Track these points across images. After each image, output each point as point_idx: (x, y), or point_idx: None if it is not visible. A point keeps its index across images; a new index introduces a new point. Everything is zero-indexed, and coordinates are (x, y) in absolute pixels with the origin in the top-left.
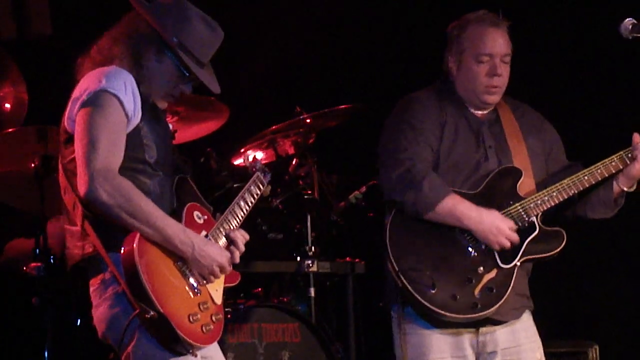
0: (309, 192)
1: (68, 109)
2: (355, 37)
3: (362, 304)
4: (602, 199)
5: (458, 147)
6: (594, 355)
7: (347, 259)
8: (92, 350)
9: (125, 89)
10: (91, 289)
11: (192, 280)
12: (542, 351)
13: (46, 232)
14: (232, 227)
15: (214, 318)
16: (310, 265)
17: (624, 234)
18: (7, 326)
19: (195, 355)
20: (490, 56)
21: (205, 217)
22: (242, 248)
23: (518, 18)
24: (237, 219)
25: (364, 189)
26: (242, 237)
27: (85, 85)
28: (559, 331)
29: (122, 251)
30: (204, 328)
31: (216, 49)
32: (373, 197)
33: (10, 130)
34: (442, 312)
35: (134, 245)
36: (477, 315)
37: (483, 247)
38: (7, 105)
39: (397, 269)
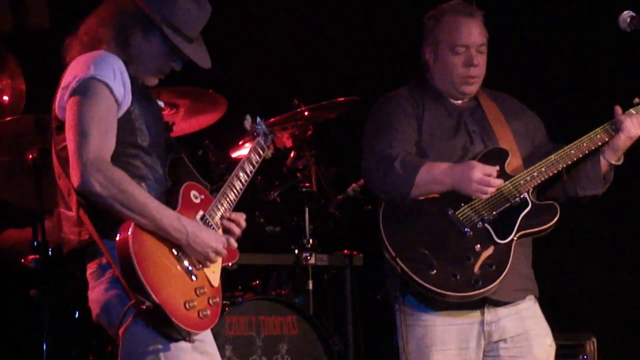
0: (307, 184)
1: (58, 96)
2: (353, 29)
3: (360, 297)
4: (590, 174)
5: (440, 136)
6: (592, 348)
7: (345, 251)
8: (91, 343)
9: (115, 75)
10: (88, 272)
11: (188, 265)
12: (551, 337)
13: (44, 223)
14: (230, 203)
15: (210, 302)
16: (308, 258)
17: (622, 226)
18: (6, 318)
19: (193, 342)
20: (466, 47)
21: (202, 196)
22: (238, 232)
23: (518, 10)
24: (236, 192)
25: (362, 181)
26: (236, 222)
27: (74, 73)
28: (556, 323)
29: (116, 240)
30: (200, 313)
31: (204, 23)
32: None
33: (7, 119)
34: (444, 291)
35: (128, 235)
36: (478, 292)
37: (479, 225)
38: (5, 98)
39: (394, 254)
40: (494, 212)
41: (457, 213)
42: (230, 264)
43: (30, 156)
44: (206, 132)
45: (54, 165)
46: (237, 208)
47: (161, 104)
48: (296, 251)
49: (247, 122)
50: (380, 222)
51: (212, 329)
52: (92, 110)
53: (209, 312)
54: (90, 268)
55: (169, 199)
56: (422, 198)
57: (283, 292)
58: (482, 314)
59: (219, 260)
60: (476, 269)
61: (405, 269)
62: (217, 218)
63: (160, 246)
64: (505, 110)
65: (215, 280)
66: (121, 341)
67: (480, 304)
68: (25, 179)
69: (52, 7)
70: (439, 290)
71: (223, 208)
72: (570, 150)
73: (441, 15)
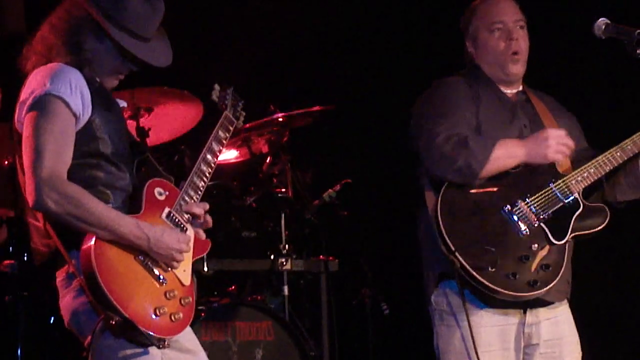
0: (283, 190)
1: (17, 111)
2: (329, 35)
3: (335, 302)
4: (629, 178)
5: (496, 125)
6: None
7: (321, 257)
8: (66, 348)
9: (71, 89)
10: (57, 280)
11: (155, 270)
12: (579, 345)
13: (20, 229)
14: (199, 190)
15: (183, 302)
16: (284, 263)
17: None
18: None
19: (167, 346)
20: (502, 22)
21: (167, 192)
22: (209, 222)
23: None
24: (205, 178)
25: (338, 187)
26: (200, 211)
27: (30, 88)
28: None
29: (79, 257)
30: (172, 317)
31: (158, 21)
32: (347, 195)
33: None
34: (503, 290)
35: (91, 249)
36: (536, 292)
37: (535, 224)
38: None
39: (453, 248)
40: (549, 212)
41: (513, 210)
42: (205, 269)
43: (7, 162)
44: (182, 138)
45: (19, 177)
46: (212, 213)
47: (123, 104)
48: (272, 257)
49: (215, 93)
50: (438, 215)
51: None
52: (47, 127)
53: (181, 314)
54: (59, 276)
55: (133, 201)
56: (480, 192)
57: (259, 297)
58: (524, 314)
59: (189, 256)
60: (533, 268)
61: (465, 264)
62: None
63: (125, 255)
64: (550, 107)
65: (187, 279)
66: (91, 349)
67: (524, 303)
68: (2, 184)
69: (29, 12)
70: (498, 289)
71: (191, 199)
72: (616, 153)
73: (475, 7)
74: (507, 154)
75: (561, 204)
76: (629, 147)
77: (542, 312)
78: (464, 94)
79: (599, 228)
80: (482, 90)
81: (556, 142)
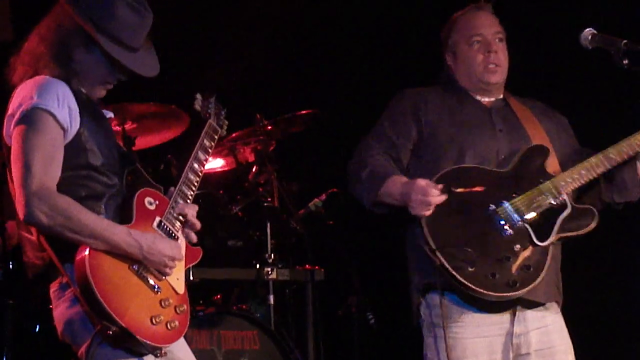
0: (269, 199)
1: (5, 125)
2: (315, 45)
3: (321, 312)
4: (627, 180)
5: (462, 130)
6: None
7: (307, 266)
8: (52, 357)
9: (59, 102)
10: (51, 291)
11: (150, 279)
12: (573, 353)
13: (5, 237)
14: (188, 199)
15: (178, 310)
16: (270, 272)
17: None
18: None
19: (164, 354)
20: (481, 35)
21: (157, 201)
22: (197, 224)
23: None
24: (193, 186)
25: (323, 196)
26: (191, 212)
27: (18, 101)
28: None
29: (74, 268)
30: (168, 325)
31: (146, 31)
32: (333, 205)
33: None
34: (482, 290)
35: (85, 260)
36: (515, 293)
37: (519, 224)
38: None
39: (434, 246)
40: (535, 212)
41: (498, 210)
42: (191, 278)
43: None
44: (168, 147)
45: (11, 189)
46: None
47: (110, 114)
48: (258, 266)
49: (198, 103)
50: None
51: None
52: (35, 141)
53: (177, 322)
54: (53, 287)
55: (124, 212)
56: (466, 192)
57: (244, 306)
58: (512, 324)
59: (181, 265)
60: (514, 269)
61: (445, 263)
62: (176, 220)
63: (119, 265)
64: (535, 111)
65: (180, 287)
66: (87, 359)
67: (512, 305)
68: None
69: (16, 21)
70: (477, 289)
71: (179, 209)
72: (610, 154)
73: (454, 20)
74: (389, 194)
75: (548, 205)
76: (624, 148)
77: (530, 320)
78: (406, 106)
79: (586, 230)
80: (453, 97)
81: (418, 197)
